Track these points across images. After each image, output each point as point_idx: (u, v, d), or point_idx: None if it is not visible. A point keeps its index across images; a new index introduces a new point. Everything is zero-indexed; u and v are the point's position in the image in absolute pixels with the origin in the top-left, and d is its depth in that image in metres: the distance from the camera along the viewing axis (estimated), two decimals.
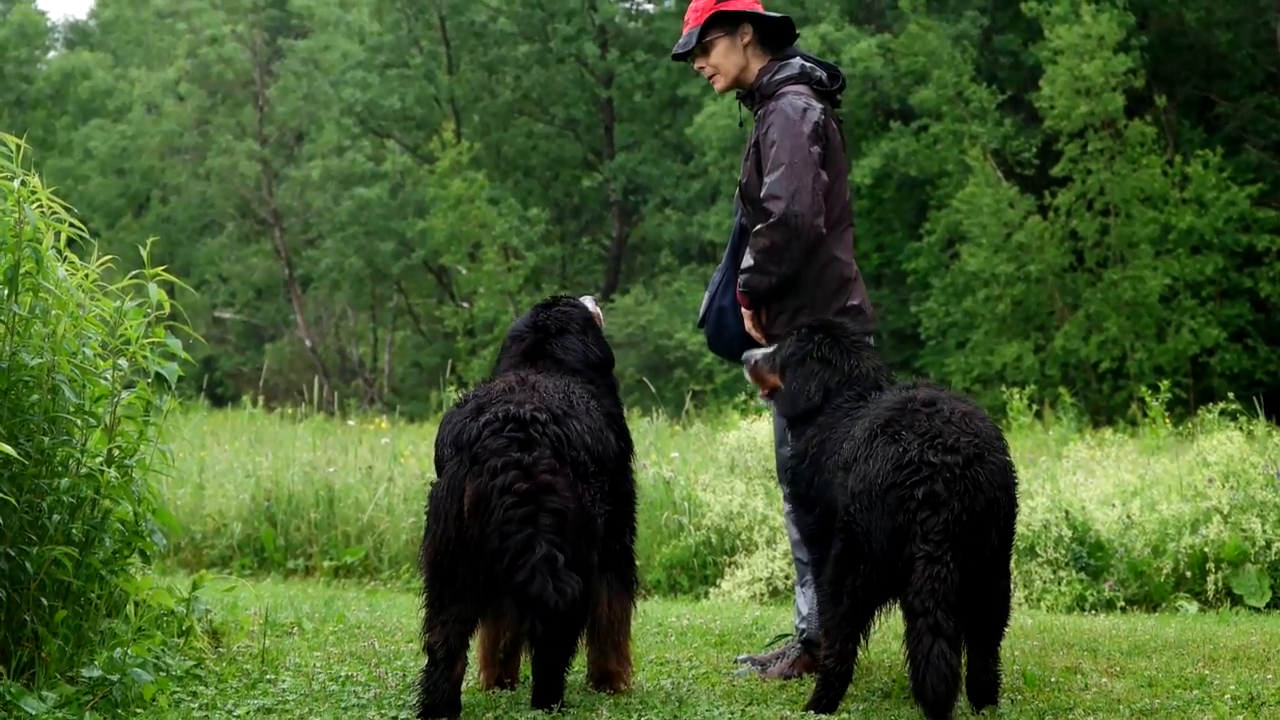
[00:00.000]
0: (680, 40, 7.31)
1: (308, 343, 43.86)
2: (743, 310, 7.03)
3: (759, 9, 7.21)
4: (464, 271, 38.06)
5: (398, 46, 41.75)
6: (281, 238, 45.29)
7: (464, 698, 6.03)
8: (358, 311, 46.34)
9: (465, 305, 38.37)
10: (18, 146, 6.19)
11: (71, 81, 49.71)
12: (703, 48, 7.20)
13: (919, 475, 5.49)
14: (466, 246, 37.45)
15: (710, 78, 7.27)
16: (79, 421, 6.20)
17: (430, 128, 40.91)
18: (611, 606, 6.21)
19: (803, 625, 6.90)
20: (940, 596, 5.40)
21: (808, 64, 7.09)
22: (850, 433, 5.88)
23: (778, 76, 7.05)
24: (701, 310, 7.31)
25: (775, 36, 7.19)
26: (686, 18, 7.32)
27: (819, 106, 6.89)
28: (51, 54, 55.19)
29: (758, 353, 6.73)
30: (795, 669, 6.83)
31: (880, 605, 5.81)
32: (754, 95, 7.11)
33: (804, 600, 6.91)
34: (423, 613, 5.80)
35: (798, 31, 7.35)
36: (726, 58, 7.16)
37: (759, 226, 6.78)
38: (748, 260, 6.91)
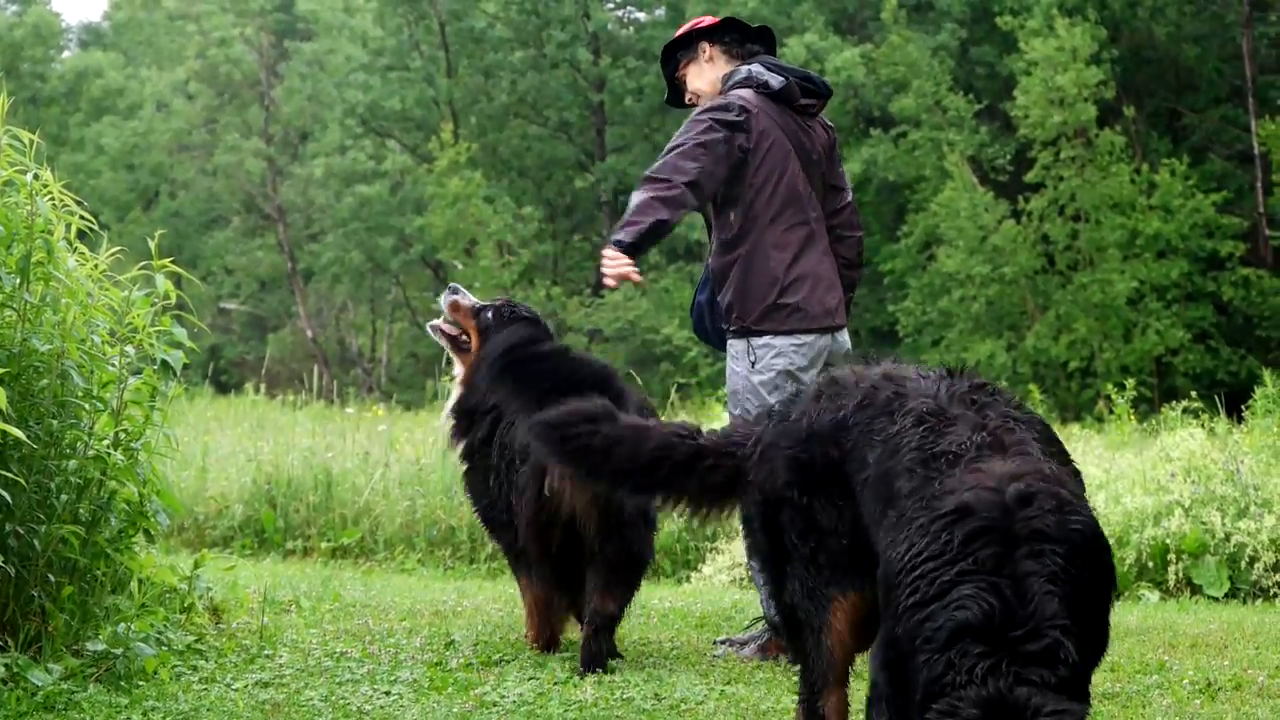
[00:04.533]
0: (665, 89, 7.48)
1: (309, 333, 43.79)
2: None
3: (705, 22, 7.27)
4: (460, 267, 37.37)
5: (399, 50, 41.56)
6: (285, 232, 45.33)
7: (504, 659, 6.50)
8: (357, 304, 46.29)
9: None
10: (31, 142, 6.16)
11: (85, 80, 49.24)
12: (680, 83, 7.35)
13: None
14: (463, 243, 37.38)
15: (697, 102, 7.24)
16: (87, 406, 6.15)
17: (429, 129, 40.72)
18: None
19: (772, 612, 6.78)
20: None
21: (756, 69, 7.04)
22: None
23: (729, 82, 7.08)
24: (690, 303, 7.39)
25: (737, 40, 7.24)
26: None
27: (741, 104, 6.87)
28: (66, 54, 54.40)
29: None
30: (769, 651, 6.81)
31: None
32: None
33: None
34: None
35: (755, 30, 7.33)
36: (700, 80, 7.25)
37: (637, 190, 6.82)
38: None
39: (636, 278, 6.80)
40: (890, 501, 4.16)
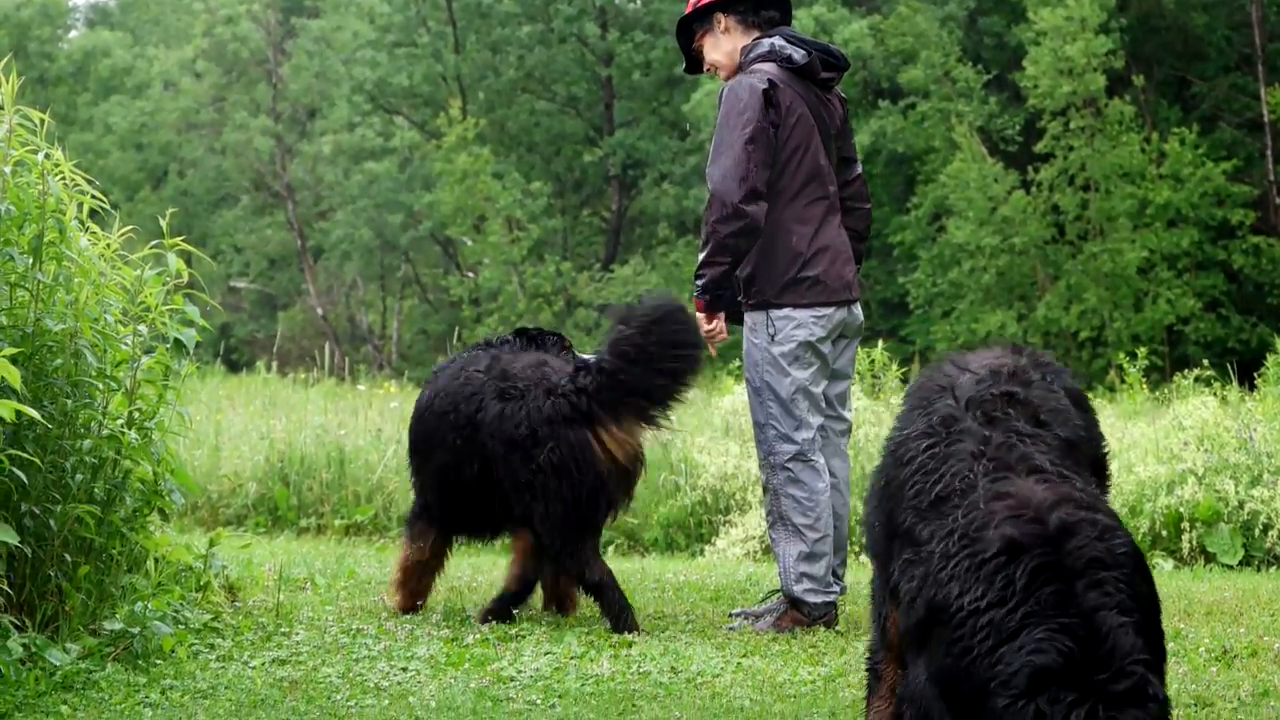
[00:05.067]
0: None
1: (319, 311, 43.73)
2: (698, 314, 7.01)
3: None
4: (469, 243, 37.97)
5: (406, 26, 41.44)
6: (294, 210, 45.37)
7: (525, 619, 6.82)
8: (367, 281, 46.22)
9: (470, 275, 38.25)
10: (41, 121, 6.16)
11: (92, 60, 49.29)
12: (697, 52, 7.35)
13: None
14: (472, 219, 37.33)
15: (716, 73, 7.31)
16: (100, 385, 6.17)
17: (437, 105, 40.68)
18: None
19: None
20: None
21: (779, 43, 7.05)
22: None
23: (750, 55, 7.08)
24: None
25: (751, 8, 7.21)
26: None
27: (768, 78, 6.88)
28: (73, 33, 54.42)
29: None
30: (785, 623, 6.89)
31: None
32: (738, 75, 7.09)
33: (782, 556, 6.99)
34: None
35: (788, 1, 7.32)
36: (716, 51, 7.24)
37: (708, 217, 6.91)
38: (700, 255, 7.00)
39: (724, 335, 7.13)
40: (900, 537, 4.18)
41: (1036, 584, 3.74)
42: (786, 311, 6.98)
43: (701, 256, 6.99)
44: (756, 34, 7.20)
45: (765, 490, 7.08)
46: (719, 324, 7.08)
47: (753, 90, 6.89)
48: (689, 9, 7.34)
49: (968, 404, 4.31)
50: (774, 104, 6.88)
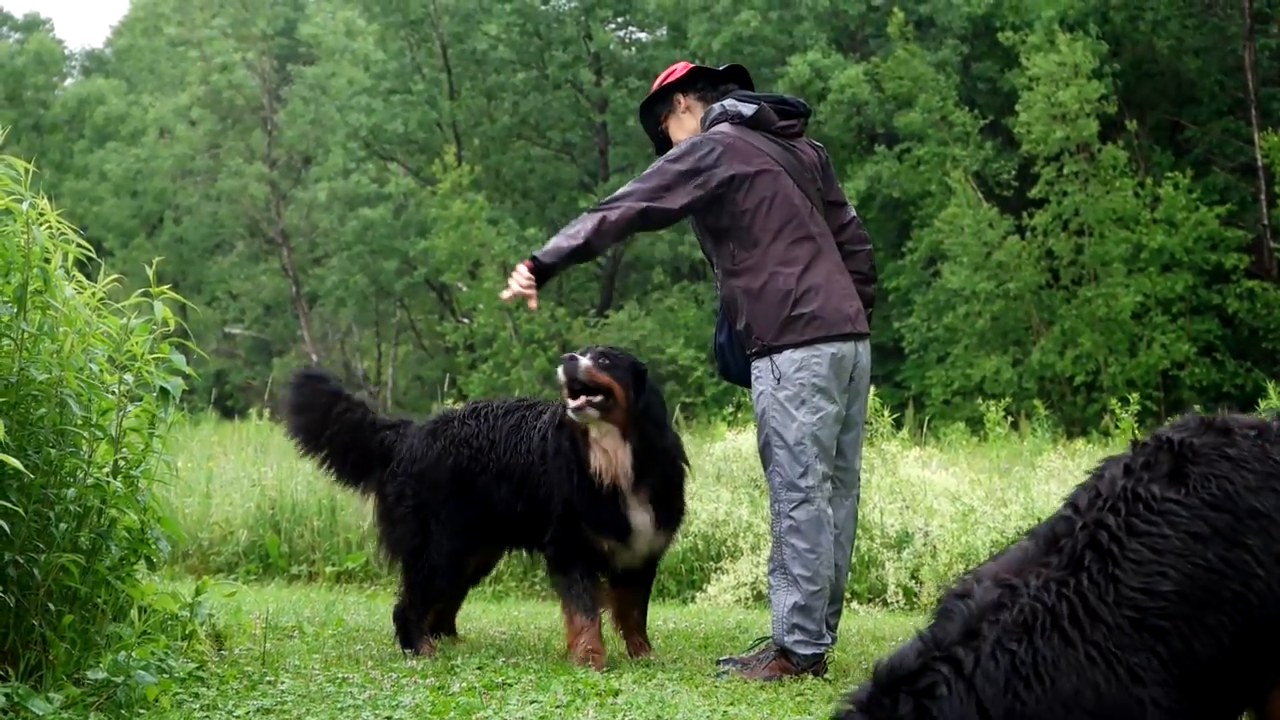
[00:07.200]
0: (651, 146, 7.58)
1: (314, 357, 43.72)
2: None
3: (677, 73, 7.42)
4: (464, 289, 38.04)
5: (401, 73, 41.67)
6: (289, 256, 45.53)
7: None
8: (362, 327, 46.38)
9: (465, 321, 38.39)
10: (27, 170, 6.13)
11: (87, 107, 49.71)
12: (663, 136, 7.45)
13: None
14: (467, 265, 37.38)
15: None
16: (86, 434, 6.12)
17: (432, 151, 40.79)
18: None
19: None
20: None
21: (729, 102, 7.17)
22: None
23: (707, 122, 7.23)
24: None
25: (710, 85, 7.37)
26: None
27: (715, 140, 6.99)
28: (68, 81, 55.06)
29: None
30: (774, 671, 6.85)
31: None
32: None
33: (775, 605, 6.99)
34: None
35: (723, 73, 7.43)
36: (681, 131, 7.37)
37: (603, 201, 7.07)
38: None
39: (533, 304, 6.98)
40: None
41: None
42: (787, 354, 6.92)
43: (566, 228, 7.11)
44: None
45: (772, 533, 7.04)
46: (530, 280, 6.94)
47: (695, 146, 7.03)
48: (650, 93, 7.50)
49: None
50: (717, 164, 6.96)
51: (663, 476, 7.24)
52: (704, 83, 7.39)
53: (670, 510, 7.32)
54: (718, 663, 7.22)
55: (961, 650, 3.78)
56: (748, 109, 7.14)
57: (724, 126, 7.10)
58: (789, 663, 6.89)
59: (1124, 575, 3.87)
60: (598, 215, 6.95)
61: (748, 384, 7.20)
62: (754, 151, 7.03)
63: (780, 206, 6.99)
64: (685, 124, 7.36)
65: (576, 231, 6.96)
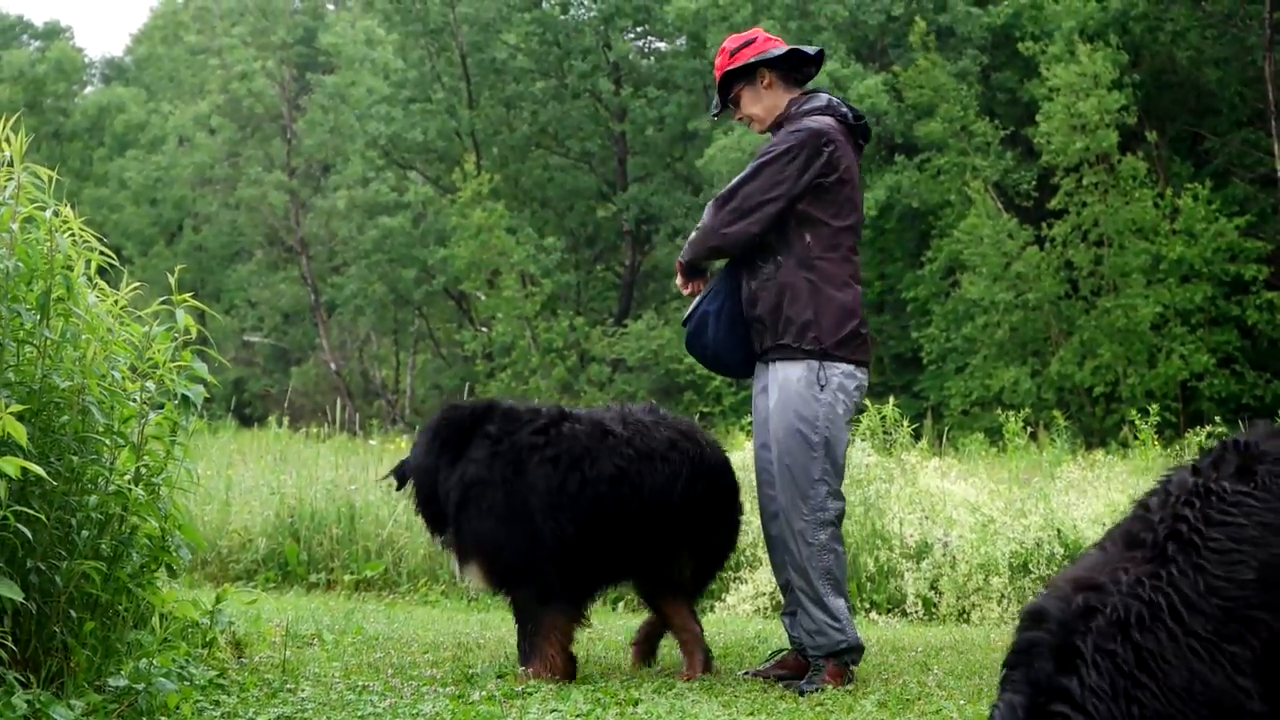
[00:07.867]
0: (713, 103, 7.52)
1: (332, 365, 43.97)
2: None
3: (770, 49, 7.26)
4: (483, 298, 38.13)
5: (421, 82, 41.73)
6: (308, 265, 45.67)
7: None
8: (381, 335, 46.48)
9: (484, 330, 38.47)
10: (50, 179, 6.10)
11: (107, 115, 49.96)
12: (733, 101, 7.36)
13: None
14: (485, 274, 37.42)
15: (749, 125, 7.35)
16: (107, 441, 6.13)
17: (451, 160, 40.92)
18: None
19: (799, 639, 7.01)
20: None
21: (837, 100, 7.16)
22: None
23: (805, 106, 7.13)
24: (688, 311, 7.30)
25: (794, 67, 7.28)
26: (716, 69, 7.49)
27: (837, 137, 6.96)
28: (89, 89, 55.29)
29: None
30: (835, 679, 6.81)
31: None
32: (780, 124, 7.16)
33: (792, 628, 7.06)
34: None
35: (812, 56, 7.32)
36: (755, 105, 7.27)
37: (714, 216, 7.00)
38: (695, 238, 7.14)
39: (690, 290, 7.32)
40: None
41: None
42: (840, 366, 6.95)
43: (694, 242, 7.19)
44: (795, 90, 7.27)
45: (801, 545, 6.92)
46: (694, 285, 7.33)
47: (814, 135, 6.96)
48: (733, 63, 7.32)
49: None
50: (834, 158, 6.93)
51: None
52: (789, 63, 7.29)
53: None
54: (741, 676, 7.17)
55: (1064, 678, 3.76)
56: (853, 115, 7.18)
57: (828, 120, 7.04)
58: (852, 661, 6.93)
59: (1209, 565, 3.89)
60: (720, 226, 7.06)
61: (719, 361, 7.36)
62: (852, 158, 7.08)
63: (856, 220, 7.08)
64: (762, 99, 7.27)
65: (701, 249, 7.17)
